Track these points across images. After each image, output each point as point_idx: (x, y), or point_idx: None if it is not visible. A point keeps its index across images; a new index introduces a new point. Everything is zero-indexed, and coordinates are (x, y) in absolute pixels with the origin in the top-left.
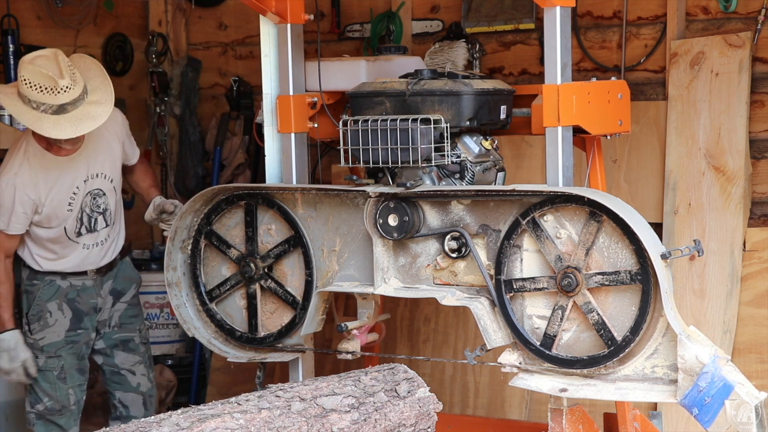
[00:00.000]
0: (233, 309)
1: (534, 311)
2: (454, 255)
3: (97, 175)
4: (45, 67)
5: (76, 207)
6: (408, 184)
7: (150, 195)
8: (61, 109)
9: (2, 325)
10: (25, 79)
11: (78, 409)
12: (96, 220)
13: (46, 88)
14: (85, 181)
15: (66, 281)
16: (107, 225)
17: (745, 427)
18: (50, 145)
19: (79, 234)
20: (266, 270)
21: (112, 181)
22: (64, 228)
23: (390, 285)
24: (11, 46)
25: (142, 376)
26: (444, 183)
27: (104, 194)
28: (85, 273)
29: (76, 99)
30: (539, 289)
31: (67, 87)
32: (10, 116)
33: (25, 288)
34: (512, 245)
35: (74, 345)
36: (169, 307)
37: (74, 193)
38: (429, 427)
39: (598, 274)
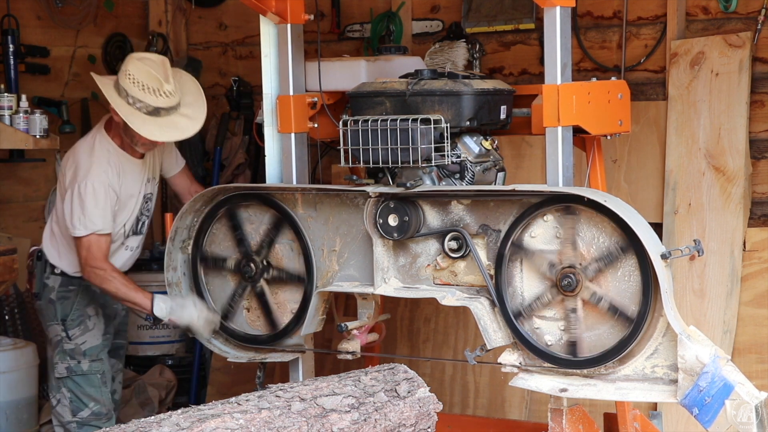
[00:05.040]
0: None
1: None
2: (454, 255)
3: (149, 180)
4: (153, 68)
5: (136, 208)
6: (408, 184)
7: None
8: (155, 112)
9: (145, 304)
10: (130, 74)
11: (116, 416)
12: (144, 223)
13: (149, 88)
14: (144, 184)
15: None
16: (144, 231)
17: (745, 427)
18: (124, 144)
19: (127, 236)
20: (264, 262)
21: (155, 186)
22: (124, 225)
23: (390, 285)
24: (11, 46)
25: (118, 384)
26: (444, 183)
27: (152, 199)
28: None
29: (171, 107)
30: (546, 304)
31: (169, 92)
32: (11, 116)
33: (60, 295)
34: (512, 245)
35: (107, 350)
36: None
37: (137, 193)
38: (429, 427)
39: (593, 262)
